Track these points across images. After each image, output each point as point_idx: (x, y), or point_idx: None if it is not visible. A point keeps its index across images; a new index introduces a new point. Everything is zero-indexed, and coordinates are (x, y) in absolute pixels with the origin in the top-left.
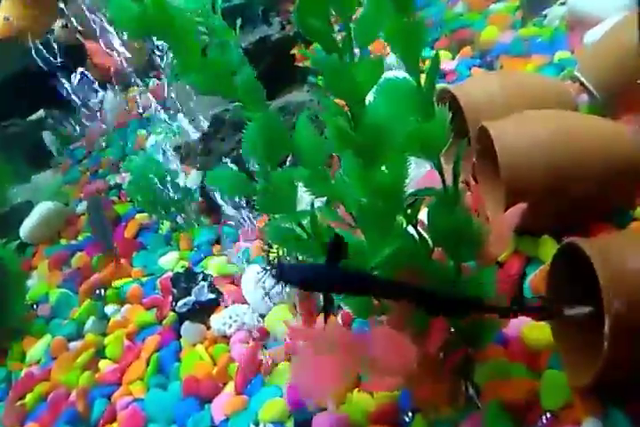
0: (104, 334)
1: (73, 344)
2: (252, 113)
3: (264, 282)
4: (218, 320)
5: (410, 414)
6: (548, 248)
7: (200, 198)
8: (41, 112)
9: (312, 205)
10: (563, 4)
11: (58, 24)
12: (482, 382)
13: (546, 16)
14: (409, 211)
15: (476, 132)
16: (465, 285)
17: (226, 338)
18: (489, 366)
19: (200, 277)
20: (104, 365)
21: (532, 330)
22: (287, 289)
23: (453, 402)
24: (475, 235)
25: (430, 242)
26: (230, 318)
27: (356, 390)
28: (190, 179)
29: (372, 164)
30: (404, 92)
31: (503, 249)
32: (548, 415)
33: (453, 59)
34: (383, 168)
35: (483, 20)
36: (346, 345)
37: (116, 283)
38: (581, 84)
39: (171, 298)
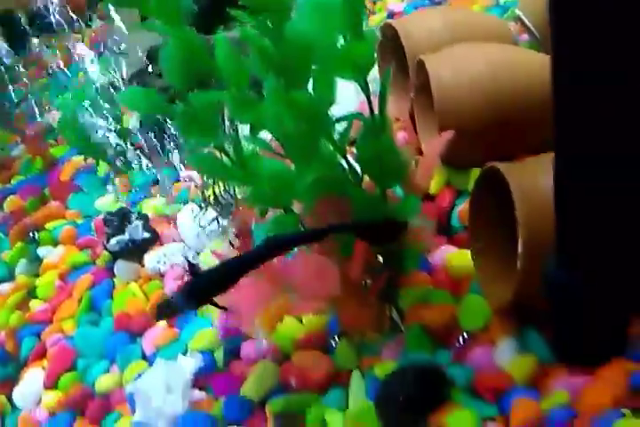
0: (36, 275)
1: (3, 286)
2: (169, 31)
3: (200, 219)
4: (152, 258)
5: (336, 338)
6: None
7: (140, 140)
8: None
9: (236, 130)
10: None
11: None
12: (405, 306)
13: None
14: (337, 138)
15: (415, 66)
16: (391, 212)
17: (160, 276)
18: (413, 291)
19: (134, 216)
20: (35, 305)
21: (456, 258)
22: (223, 225)
23: (378, 326)
24: (400, 162)
25: (359, 171)
26: (165, 255)
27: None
28: (130, 120)
29: (294, 85)
30: (331, 9)
31: (429, 177)
32: (466, 336)
33: (402, 0)
34: (307, 90)
35: None
36: (270, 271)
37: (50, 225)
38: (522, 23)
39: (104, 238)
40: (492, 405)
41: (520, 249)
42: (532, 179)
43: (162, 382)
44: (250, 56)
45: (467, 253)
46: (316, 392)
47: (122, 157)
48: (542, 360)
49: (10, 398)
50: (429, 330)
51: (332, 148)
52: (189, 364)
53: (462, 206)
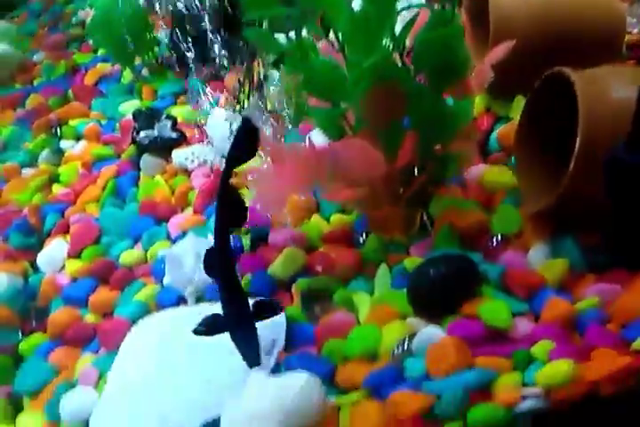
0: (58, 165)
1: (26, 171)
2: None
3: (231, 122)
4: (180, 155)
5: (364, 235)
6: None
7: (169, 52)
8: None
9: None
10: None
11: None
12: (437, 213)
13: None
14: (397, 34)
15: None
16: (442, 113)
17: (187, 172)
18: (446, 199)
19: (164, 116)
20: (57, 188)
21: (491, 173)
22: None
23: (407, 228)
24: (462, 59)
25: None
26: (193, 154)
27: (315, 215)
28: (161, 31)
29: None
30: None
31: (483, 82)
32: (499, 238)
33: None
34: None
35: None
36: (311, 153)
37: (73, 122)
38: None
39: (132, 131)
40: (523, 301)
41: (577, 148)
42: (597, 83)
43: (193, 251)
44: None
45: (502, 170)
46: (341, 278)
47: (148, 66)
48: (575, 267)
49: (32, 265)
50: (459, 233)
51: (390, 43)
52: None
53: (502, 129)
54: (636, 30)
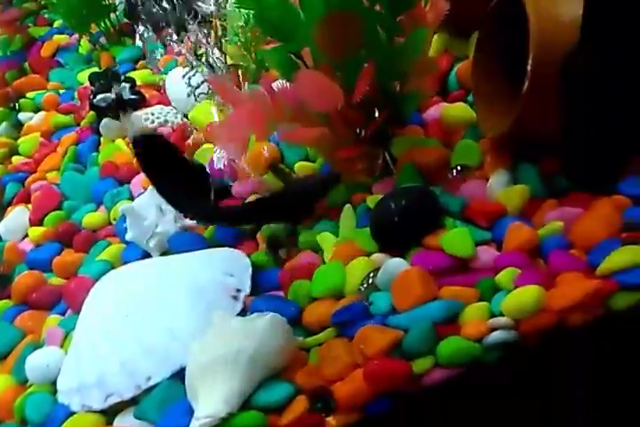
0: (18, 138)
1: None
2: None
3: (189, 79)
4: (139, 116)
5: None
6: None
7: (126, 18)
8: None
9: None
10: None
11: None
12: (398, 152)
13: None
14: None
15: None
16: (397, 45)
17: None
18: (406, 139)
19: (122, 78)
20: (17, 159)
21: (451, 110)
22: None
23: (370, 169)
24: None
25: None
26: (152, 114)
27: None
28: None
29: None
30: None
31: (439, 15)
32: (459, 170)
33: None
34: None
35: None
36: (268, 93)
37: (31, 94)
38: None
39: (89, 95)
40: (485, 230)
41: (529, 67)
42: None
43: (154, 206)
44: None
45: (461, 107)
46: (306, 222)
47: (105, 34)
48: (535, 193)
49: None
50: (421, 169)
51: None
52: None
53: (460, 66)
54: None
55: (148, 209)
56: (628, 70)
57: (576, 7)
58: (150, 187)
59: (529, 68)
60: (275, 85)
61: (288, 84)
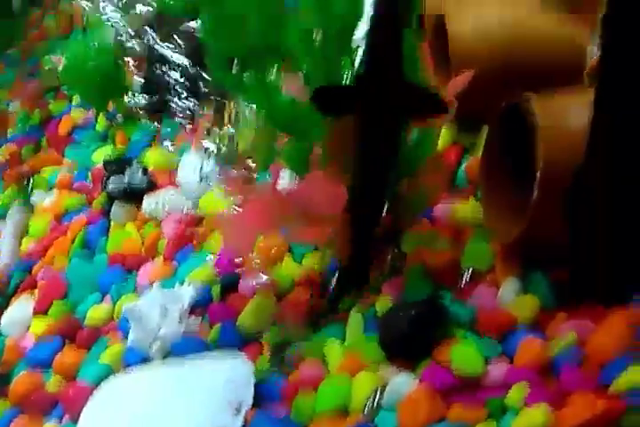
0: (29, 219)
1: None
2: None
3: (202, 166)
4: (150, 202)
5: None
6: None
7: (143, 97)
8: None
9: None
10: None
11: None
12: (408, 250)
13: None
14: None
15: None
16: (405, 147)
17: (157, 220)
18: (416, 236)
19: (135, 163)
20: (27, 242)
21: (460, 209)
22: (225, 174)
23: (379, 268)
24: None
25: None
26: (163, 200)
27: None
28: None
29: None
30: None
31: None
32: (468, 278)
33: None
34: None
35: None
36: (275, 192)
37: (45, 172)
38: None
39: (102, 179)
40: (496, 343)
41: (537, 180)
42: (556, 110)
43: (158, 306)
44: None
45: (471, 206)
46: (313, 325)
47: (121, 113)
48: (546, 303)
49: None
50: (431, 270)
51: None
52: (186, 293)
53: (469, 162)
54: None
55: (152, 310)
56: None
57: (586, 120)
58: (156, 284)
59: (537, 183)
60: (282, 176)
61: (296, 182)
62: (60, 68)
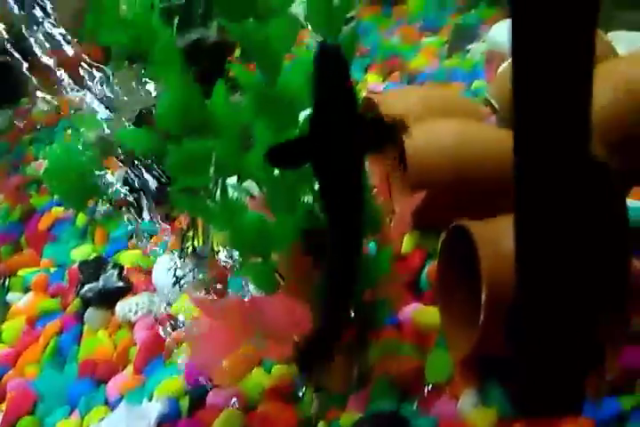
0: (3, 321)
1: None
2: (167, 78)
3: (176, 269)
4: (124, 307)
5: (304, 389)
6: None
7: (122, 194)
8: None
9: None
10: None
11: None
12: (373, 359)
13: (469, 51)
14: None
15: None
16: (364, 261)
17: (131, 325)
18: (381, 345)
19: (110, 265)
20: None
21: (423, 313)
22: (199, 277)
23: (345, 379)
24: (376, 215)
25: None
26: (137, 305)
27: (255, 369)
28: (115, 174)
29: (285, 128)
30: None
31: (404, 230)
32: (430, 388)
33: (383, 81)
34: None
35: (414, 50)
36: (240, 311)
37: (22, 272)
38: (491, 106)
39: (77, 284)
40: None
41: (483, 300)
42: (496, 235)
43: (125, 425)
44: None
45: (434, 310)
46: None
47: (100, 209)
48: (503, 414)
49: None
50: (396, 382)
51: (312, 198)
52: (153, 410)
53: (431, 266)
54: None
55: None
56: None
57: None
58: (119, 407)
59: (482, 304)
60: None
61: (255, 300)
62: (42, 172)
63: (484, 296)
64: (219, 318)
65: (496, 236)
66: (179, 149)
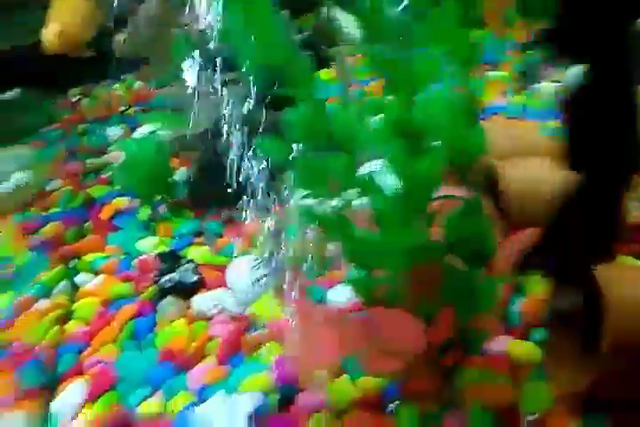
0: (73, 301)
1: (40, 303)
2: (300, 95)
3: (253, 273)
4: (200, 301)
5: (396, 402)
6: (535, 282)
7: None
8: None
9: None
10: (555, 81)
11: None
12: (464, 385)
13: (537, 88)
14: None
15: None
16: (474, 291)
17: (206, 319)
18: (473, 371)
19: (185, 260)
20: (73, 325)
21: (516, 347)
22: (274, 283)
23: (439, 398)
24: (488, 246)
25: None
26: (213, 300)
27: (342, 377)
28: (179, 173)
29: (416, 153)
30: (454, 100)
31: (509, 265)
32: (530, 419)
33: None
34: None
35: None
36: (354, 321)
37: (89, 257)
38: None
39: (155, 273)
40: None
41: (605, 345)
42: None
43: (220, 413)
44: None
45: (526, 344)
46: None
47: (165, 205)
48: None
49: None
50: (490, 409)
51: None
52: (248, 402)
53: (523, 304)
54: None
55: (214, 417)
56: None
57: None
58: (220, 392)
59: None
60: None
61: (372, 313)
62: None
63: (605, 342)
64: (324, 325)
65: (620, 280)
66: (304, 160)
